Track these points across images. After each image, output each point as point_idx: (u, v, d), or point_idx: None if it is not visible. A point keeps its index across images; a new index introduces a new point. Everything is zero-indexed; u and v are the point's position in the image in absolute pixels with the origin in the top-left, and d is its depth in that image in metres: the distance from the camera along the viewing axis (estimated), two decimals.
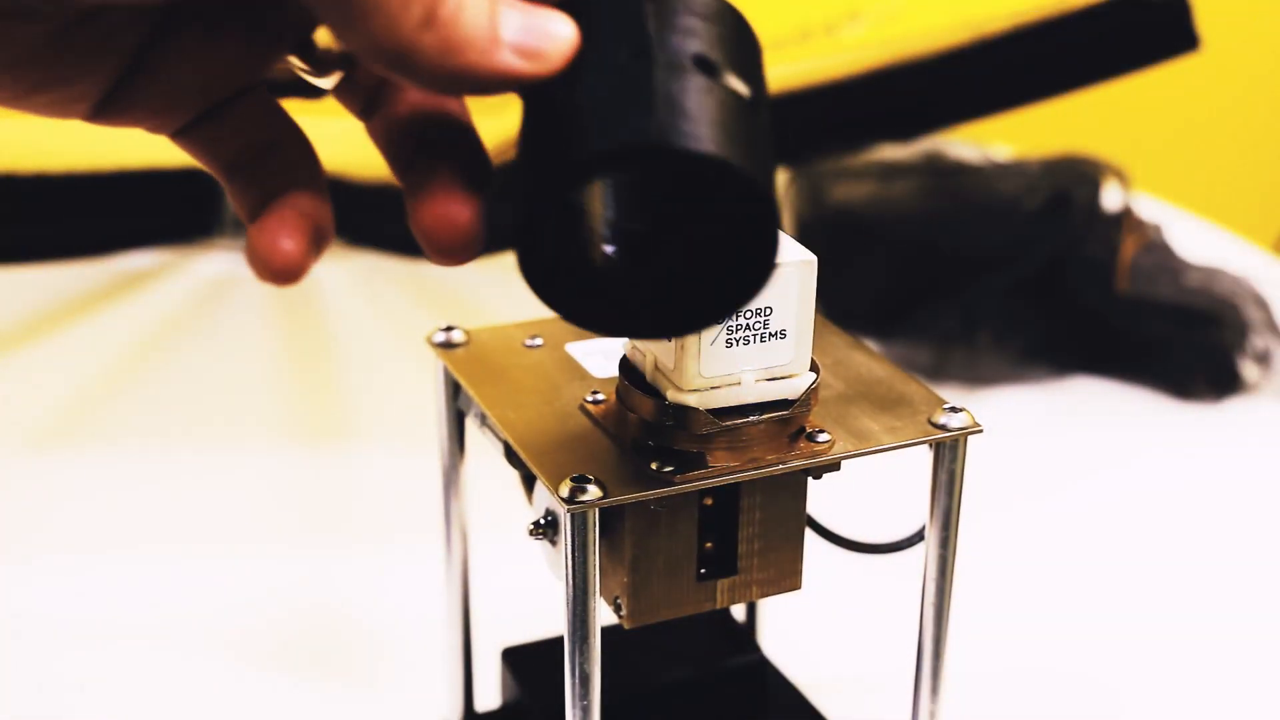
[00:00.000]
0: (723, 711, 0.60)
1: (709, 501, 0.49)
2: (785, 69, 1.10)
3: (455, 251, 0.38)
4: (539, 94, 0.36)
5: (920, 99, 1.11)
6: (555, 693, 0.49)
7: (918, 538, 0.53)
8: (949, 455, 0.49)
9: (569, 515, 0.44)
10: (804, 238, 0.50)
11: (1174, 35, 1.10)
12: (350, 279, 1.09)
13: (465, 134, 0.40)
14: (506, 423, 0.49)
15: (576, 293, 0.38)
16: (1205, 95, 1.67)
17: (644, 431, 0.46)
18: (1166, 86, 1.32)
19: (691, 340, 0.45)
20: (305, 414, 0.92)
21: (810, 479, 0.50)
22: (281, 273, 0.38)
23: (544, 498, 0.49)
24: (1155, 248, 0.97)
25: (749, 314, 0.45)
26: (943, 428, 0.48)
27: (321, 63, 0.40)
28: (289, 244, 0.38)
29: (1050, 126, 1.27)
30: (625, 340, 0.48)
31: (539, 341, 0.54)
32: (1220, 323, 0.92)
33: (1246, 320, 0.93)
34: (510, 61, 0.35)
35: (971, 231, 0.95)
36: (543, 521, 0.50)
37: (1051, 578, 0.77)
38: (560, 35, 0.35)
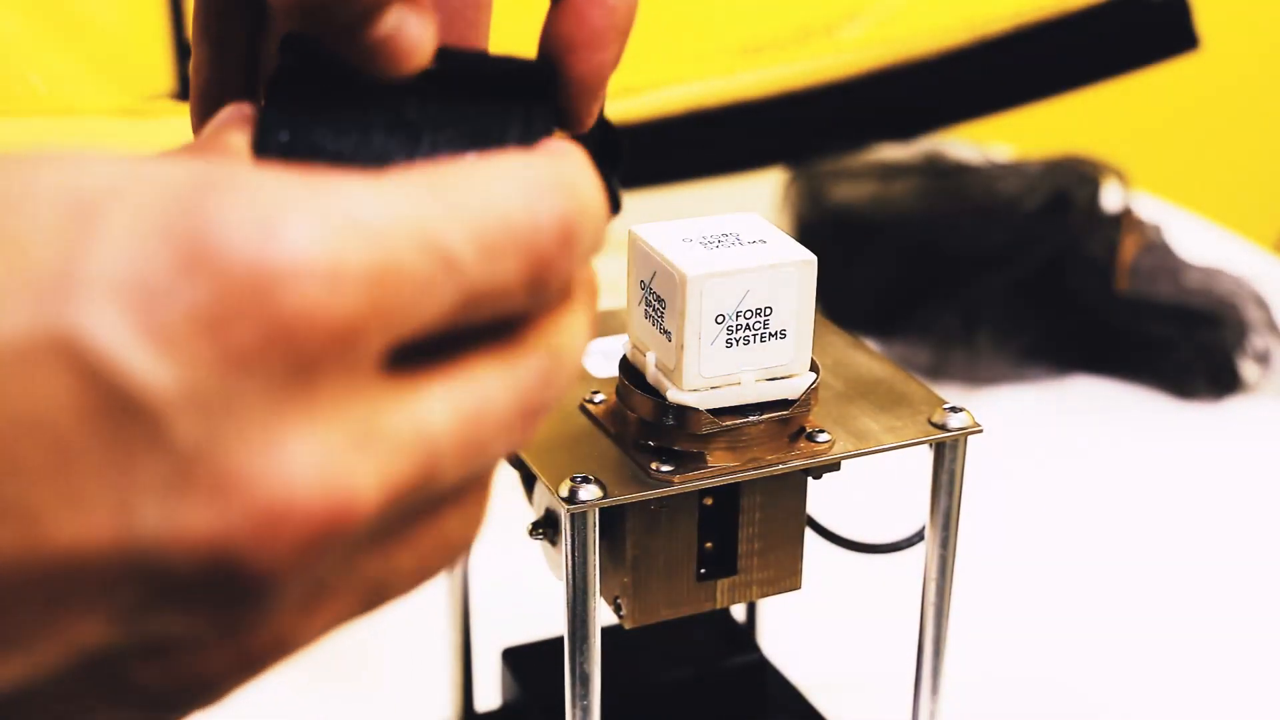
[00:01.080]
0: (723, 711, 0.60)
1: (709, 501, 0.49)
2: (785, 69, 1.10)
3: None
4: None
5: (920, 99, 1.11)
6: (555, 693, 0.49)
7: (918, 538, 0.53)
8: (949, 455, 0.49)
9: (569, 515, 0.44)
10: (804, 238, 0.50)
11: (1174, 35, 1.10)
12: None
13: None
14: None
15: None
16: (1205, 95, 1.67)
17: (644, 431, 0.46)
18: (1166, 86, 1.32)
19: (692, 340, 0.45)
20: None
21: (810, 479, 0.50)
22: None
23: (544, 498, 0.49)
24: (1155, 248, 0.97)
25: (749, 314, 0.45)
26: (943, 428, 0.48)
27: None
28: None
29: (1050, 126, 1.27)
30: (625, 340, 0.48)
31: None
32: (1220, 323, 0.92)
33: (1246, 320, 0.93)
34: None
35: (971, 231, 0.95)
36: (543, 521, 0.50)
37: (1051, 577, 0.77)
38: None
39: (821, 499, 0.53)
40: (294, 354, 0.24)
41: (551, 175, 0.28)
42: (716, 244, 0.46)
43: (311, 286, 0.24)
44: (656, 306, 0.46)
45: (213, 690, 0.26)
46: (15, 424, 0.22)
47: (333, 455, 0.24)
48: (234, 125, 0.30)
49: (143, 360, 0.23)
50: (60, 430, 0.22)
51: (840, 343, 0.54)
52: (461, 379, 0.27)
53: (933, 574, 0.51)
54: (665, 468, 0.45)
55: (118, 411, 0.23)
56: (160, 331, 0.23)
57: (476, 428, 0.27)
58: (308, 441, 0.24)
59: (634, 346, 0.48)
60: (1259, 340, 0.93)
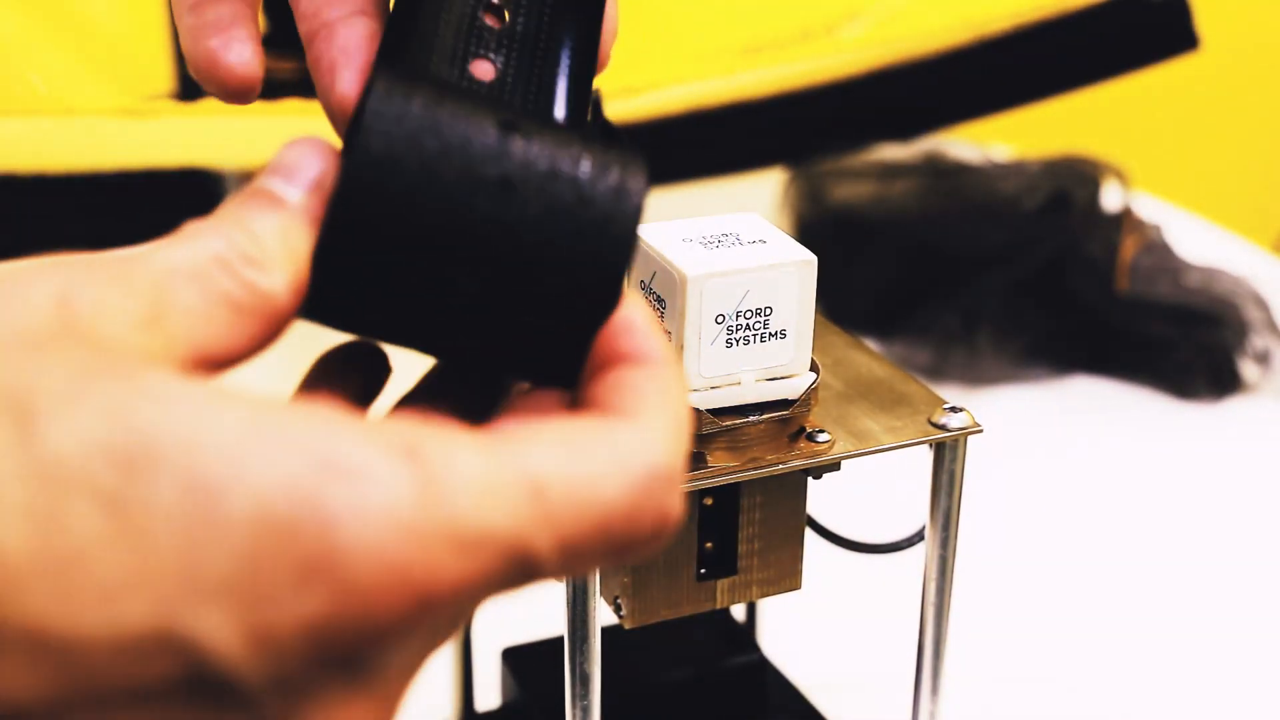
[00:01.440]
0: (723, 711, 0.60)
1: (709, 501, 0.49)
2: (785, 69, 1.10)
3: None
4: None
5: (920, 99, 1.11)
6: (555, 693, 0.49)
7: (918, 538, 0.53)
8: (949, 455, 0.49)
9: None
10: (804, 238, 0.50)
11: (1174, 35, 1.10)
12: None
13: None
14: None
15: None
16: (1205, 95, 1.67)
17: None
18: (1166, 86, 1.32)
19: (692, 340, 0.45)
20: None
21: (810, 479, 0.50)
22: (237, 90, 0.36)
23: None
24: (1155, 248, 0.97)
25: (749, 314, 0.45)
26: (943, 428, 0.48)
27: None
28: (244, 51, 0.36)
29: (1050, 126, 1.27)
30: None
31: None
32: (1220, 323, 0.92)
33: (1246, 320, 0.92)
34: None
35: (971, 231, 0.95)
36: None
37: (1051, 577, 0.77)
38: None
39: (821, 499, 0.53)
40: (378, 652, 0.27)
41: (672, 457, 0.28)
42: (716, 244, 0.46)
43: (409, 609, 0.26)
44: (656, 306, 0.46)
45: None
46: (130, 696, 0.25)
47: (388, 703, 0.29)
48: (305, 221, 0.29)
49: (244, 660, 0.25)
50: (167, 704, 0.25)
51: (840, 343, 0.54)
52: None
53: (933, 574, 0.51)
54: None
55: (216, 693, 0.25)
56: (265, 637, 0.25)
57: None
58: (370, 707, 0.28)
59: None
60: (1259, 340, 0.93)
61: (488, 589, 0.27)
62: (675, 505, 0.28)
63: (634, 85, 1.02)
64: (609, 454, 0.27)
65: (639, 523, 0.27)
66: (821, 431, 0.48)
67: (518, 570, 0.27)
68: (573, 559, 0.27)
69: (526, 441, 0.27)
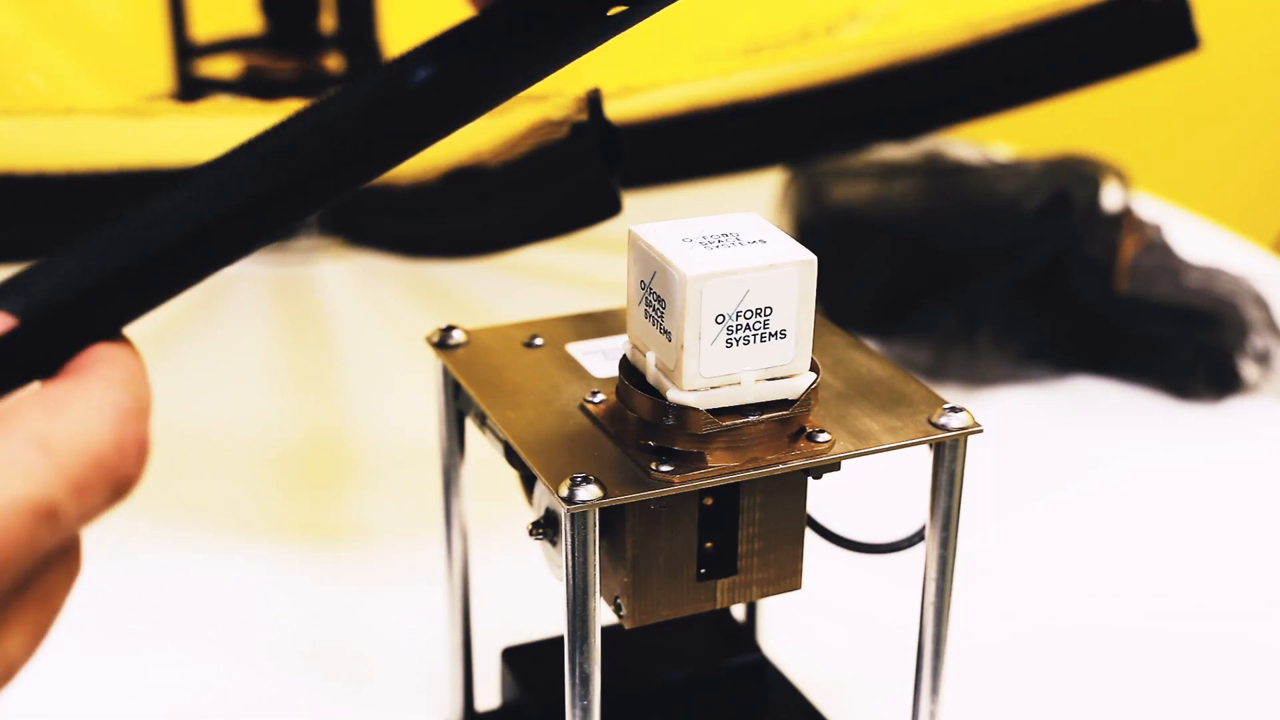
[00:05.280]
0: (723, 711, 0.60)
1: (709, 501, 0.49)
2: (785, 69, 1.10)
3: None
4: None
5: (920, 99, 1.11)
6: (555, 693, 0.49)
7: (918, 538, 0.53)
8: (949, 455, 0.49)
9: (569, 515, 0.44)
10: (804, 238, 0.50)
11: (1174, 35, 1.10)
12: (350, 279, 1.09)
13: None
14: (506, 423, 0.49)
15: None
16: (1205, 95, 1.67)
17: (644, 431, 0.46)
18: (1166, 86, 1.32)
19: (692, 340, 0.45)
20: (304, 414, 0.92)
21: (810, 479, 0.50)
22: None
23: (544, 498, 0.50)
24: (1155, 248, 0.97)
25: (749, 314, 0.45)
26: (943, 428, 0.48)
27: None
28: None
29: (1050, 126, 1.27)
30: (626, 340, 0.48)
31: (539, 341, 0.54)
32: (1220, 323, 0.92)
33: (1246, 320, 0.93)
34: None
35: (971, 231, 0.95)
36: (543, 521, 0.50)
37: (1051, 577, 0.77)
38: None
39: (821, 499, 0.53)
40: None
41: (132, 397, 0.33)
42: (716, 244, 0.46)
43: None
44: (656, 306, 0.46)
45: None
46: None
47: None
48: None
49: None
50: None
51: (840, 343, 0.54)
52: (39, 603, 0.33)
53: (933, 574, 0.51)
54: (665, 468, 0.45)
55: None
56: None
57: (47, 624, 0.33)
58: None
59: (634, 346, 0.48)
60: (1259, 340, 0.93)
61: (22, 558, 0.30)
62: (148, 432, 0.33)
63: (634, 85, 1.02)
64: (84, 403, 0.32)
65: (126, 452, 0.32)
66: (821, 431, 0.48)
67: (46, 525, 0.30)
68: (86, 500, 0.31)
69: (18, 412, 0.31)
